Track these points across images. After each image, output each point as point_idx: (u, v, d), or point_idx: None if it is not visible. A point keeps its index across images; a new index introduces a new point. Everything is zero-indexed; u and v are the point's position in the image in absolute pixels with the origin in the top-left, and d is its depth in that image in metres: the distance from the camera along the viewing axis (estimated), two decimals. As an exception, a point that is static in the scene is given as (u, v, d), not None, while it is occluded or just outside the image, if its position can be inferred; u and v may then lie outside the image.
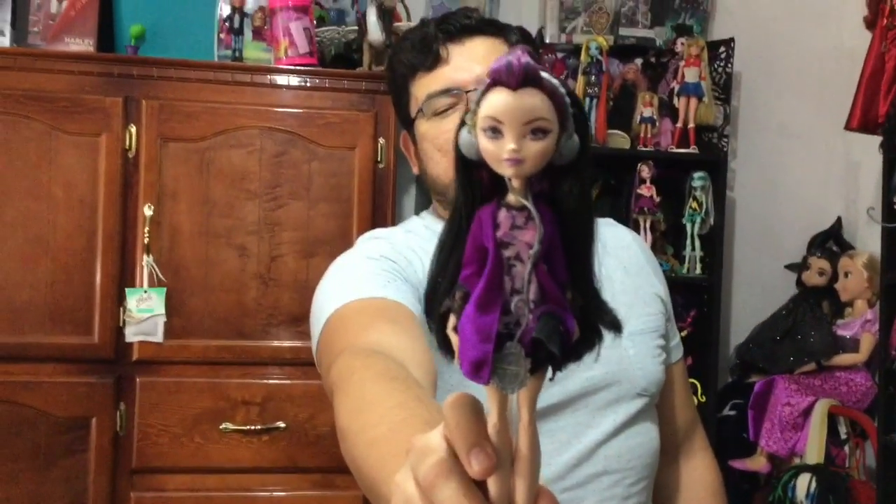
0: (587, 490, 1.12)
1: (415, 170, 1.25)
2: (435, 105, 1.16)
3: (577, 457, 1.12)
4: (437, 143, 1.17)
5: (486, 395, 0.47)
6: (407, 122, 1.23)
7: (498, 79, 0.44)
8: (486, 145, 0.45)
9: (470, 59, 1.16)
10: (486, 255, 0.46)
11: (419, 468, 0.46)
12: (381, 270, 1.05)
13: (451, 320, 0.47)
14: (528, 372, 0.46)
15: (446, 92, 1.16)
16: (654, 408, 1.21)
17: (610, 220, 1.36)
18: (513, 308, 0.46)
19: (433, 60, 1.17)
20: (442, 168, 1.17)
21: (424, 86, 1.18)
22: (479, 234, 0.46)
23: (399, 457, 0.53)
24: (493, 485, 0.46)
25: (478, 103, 0.45)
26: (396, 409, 0.72)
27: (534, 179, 0.46)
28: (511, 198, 0.46)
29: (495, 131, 0.44)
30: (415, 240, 1.18)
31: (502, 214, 0.46)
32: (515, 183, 0.46)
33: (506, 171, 0.45)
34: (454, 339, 0.47)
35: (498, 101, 0.44)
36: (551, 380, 0.48)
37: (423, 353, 0.87)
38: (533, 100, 0.44)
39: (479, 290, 0.45)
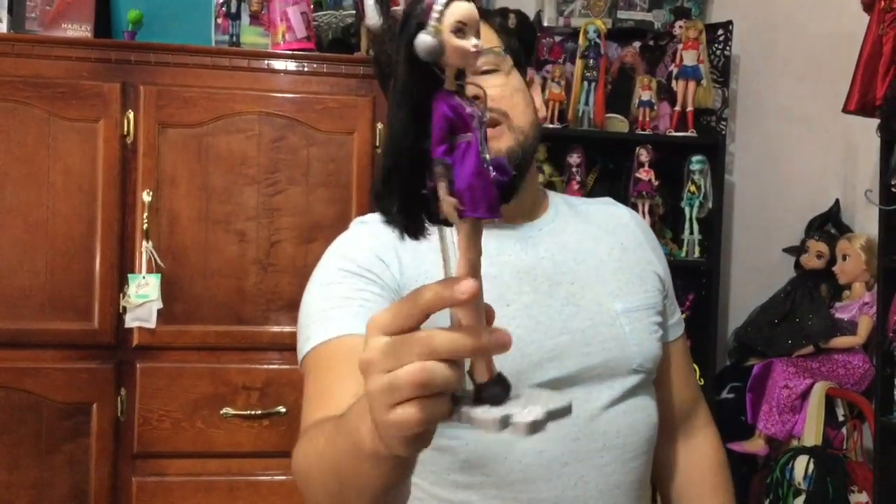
0: (587, 465, 1.13)
1: None
2: None
3: (576, 432, 1.13)
4: None
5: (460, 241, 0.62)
6: None
7: None
8: (456, 42, 0.58)
9: None
10: (456, 134, 0.59)
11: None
12: (354, 291, 1.10)
13: (443, 187, 0.60)
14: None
15: None
16: (652, 384, 1.22)
17: (609, 200, 1.38)
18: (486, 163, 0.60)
19: None
20: None
21: None
22: (454, 117, 0.60)
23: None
24: (466, 313, 0.61)
25: (441, 13, 0.58)
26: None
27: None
28: (451, 88, 0.60)
29: (461, 32, 0.58)
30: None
31: (459, 100, 0.60)
32: (450, 75, 0.59)
33: (471, 63, 0.59)
34: (450, 201, 0.60)
35: (462, 8, 0.58)
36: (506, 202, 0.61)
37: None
38: (475, 11, 0.59)
39: (473, 155, 0.59)
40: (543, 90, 2.79)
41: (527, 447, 1.11)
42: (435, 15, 0.58)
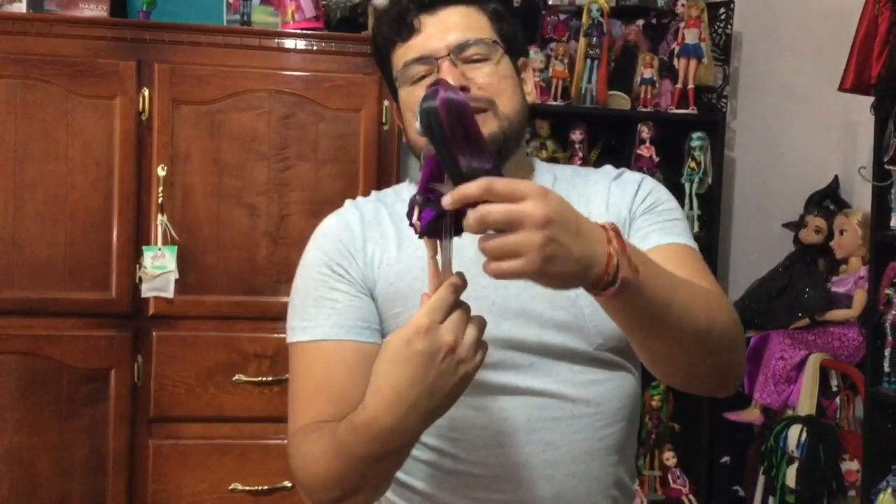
0: (555, 433, 1.18)
1: (404, 137, 1.32)
2: (410, 73, 1.22)
3: (542, 402, 1.18)
4: (413, 109, 1.20)
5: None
6: (393, 92, 1.29)
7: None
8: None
9: (442, 28, 1.21)
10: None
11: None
12: (327, 290, 1.22)
13: (416, 211, 0.89)
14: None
15: (419, 60, 1.21)
16: (626, 354, 1.22)
17: (604, 169, 1.35)
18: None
19: (408, 31, 1.22)
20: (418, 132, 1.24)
21: (401, 56, 1.23)
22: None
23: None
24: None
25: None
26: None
27: None
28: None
29: None
30: (402, 210, 1.26)
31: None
32: None
33: None
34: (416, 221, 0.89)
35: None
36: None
37: (344, 396, 1.13)
38: None
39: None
40: (547, 68, 2.86)
41: (494, 416, 1.17)
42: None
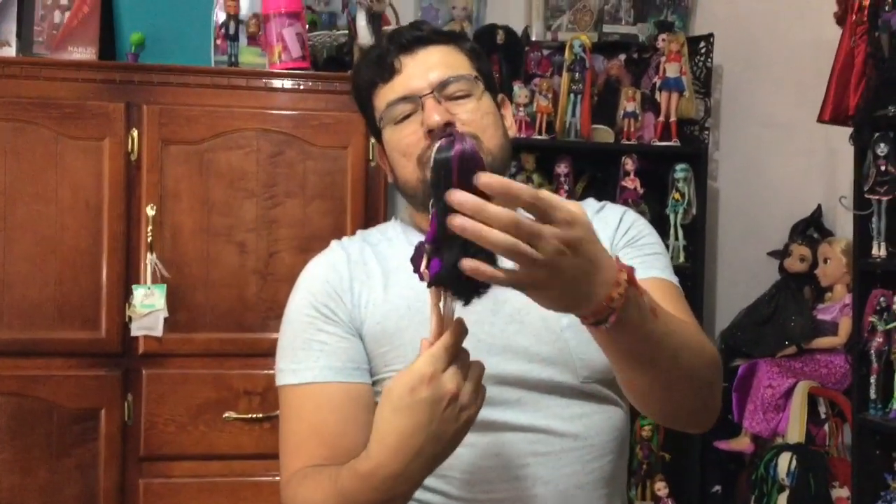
0: (545, 467, 1.19)
1: (390, 178, 1.33)
2: (394, 113, 1.24)
3: (532, 437, 1.19)
4: (400, 148, 1.25)
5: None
6: (376, 134, 1.31)
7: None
8: None
9: (423, 68, 1.24)
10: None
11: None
12: (315, 332, 1.24)
13: (424, 260, 0.89)
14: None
15: (403, 99, 1.23)
16: (613, 387, 1.23)
17: (587, 202, 1.36)
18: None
19: (389, 73, 1.25)
20: (408, 171, 1.25)
21: (384, 96, 1.26)
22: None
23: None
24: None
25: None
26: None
27: None
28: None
29: None
30: (387, 249, 1.30)
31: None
32: None
33: None
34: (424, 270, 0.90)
35: None
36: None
37: (336, 438, 1.18)
38: None
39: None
40: (531, 102, 2.90)
41: (484, 452, 1.18)
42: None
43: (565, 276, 0.84)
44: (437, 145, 0.87)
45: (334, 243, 1.34)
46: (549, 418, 1.20)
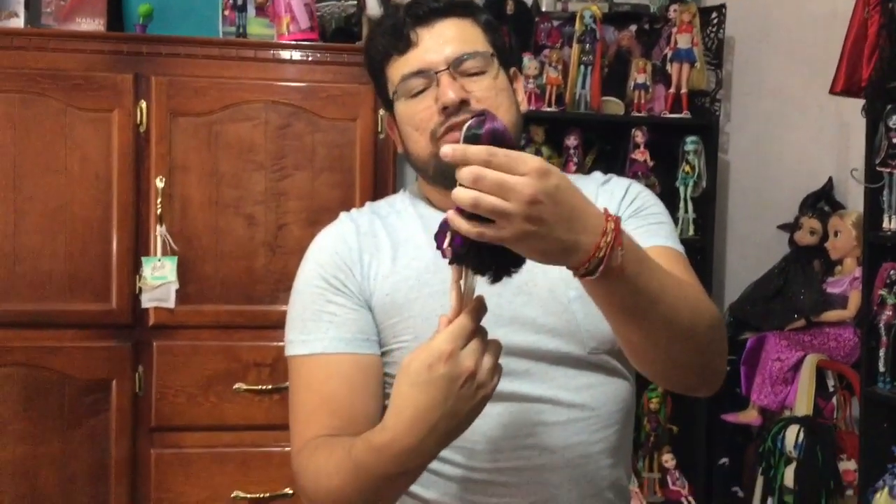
0: (550, 436, 1.20)
1: (399, 149, 1.33)
2: (408, 87, 1.23)
3: (538, 408, 1.20)
4: (413, 123, 1.24)
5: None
6: (387, 105, 1.30)
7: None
8: None
9: (439, 41, 1.23)
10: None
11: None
12: (324, 303, 1.24)
13: (448, 237, 0.91)
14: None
15: (418, 73, 1.22)
16: (620, 358, 1.24)
17: (593, 176, 1.37)
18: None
19: (404, 44, 1.23)
20: (420, 146, 1.24)
21: (398, 69, 1.25)
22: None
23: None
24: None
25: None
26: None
27: None
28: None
29: None
30: (396, 221, 1.30)
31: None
32: None
33: None
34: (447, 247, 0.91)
35: None
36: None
37: (346, 409, 1.20)
38: None
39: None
40: (541, 74, 2.88)
41: (492, 422, 1.18)
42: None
43: (547, 226, 0.86)
44: (468, 123, 0.89)
45: (343, 215, 1.35)
46: (556, 389, 1.21)
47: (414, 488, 1.22)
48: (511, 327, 1.20)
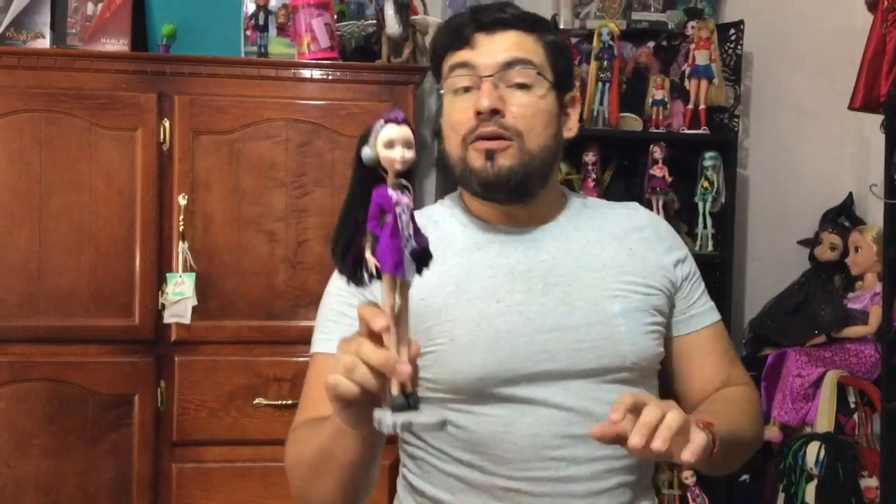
0: (579, 449, 1.22)
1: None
2: (454, 81, 1.26)
3: (569, 419, 1.21)
4: (450, 121, 1.27)
5: (383, 290, 0.85)
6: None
7: (389, 119, 0.83)
8: (387, 154, 0.82)
9: (494, 48, 1.24)
10: (384, 214, 0.82)
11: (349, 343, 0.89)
12: (345, 306, 1.28)
13: (368, 251, 0.85)
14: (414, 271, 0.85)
15: (464, 65, 1.24)
16: (652, 379, 1.29)
17: (633, 205, 1.43)
18: (403, 236, 0.83)
19: (461, 43, 1.26)
20: (453, 145, 1.27)
21: (450, 61, 1.27)
22: (382, 203, 0.83)
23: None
24: (387, 340, 0.86)
25: (377, 133, 0.82)
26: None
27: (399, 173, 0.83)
28: (392, 182, 0.83)
29: (390, 146, 0.82)
30: (434, 231, 1.28)
31: (392, 191, 0.83)
32: (392, 175, 0.83)
33: (397, 167, 0.82)
34: (372, 260, 0.85)
35: (391, 130, 0.82)
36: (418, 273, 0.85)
37: None
38: (406, 131, 0.82)
39: (390, 228, 0.82)
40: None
41: (522, 431, 1.20)
42: (373, 134, 0.83)
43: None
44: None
45: None
46: (588, 401, 1.23)
47: (441, 494, 1.24)
48: (552, 335, 1.22)
